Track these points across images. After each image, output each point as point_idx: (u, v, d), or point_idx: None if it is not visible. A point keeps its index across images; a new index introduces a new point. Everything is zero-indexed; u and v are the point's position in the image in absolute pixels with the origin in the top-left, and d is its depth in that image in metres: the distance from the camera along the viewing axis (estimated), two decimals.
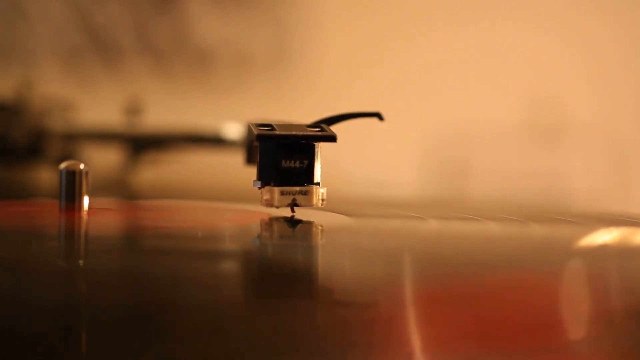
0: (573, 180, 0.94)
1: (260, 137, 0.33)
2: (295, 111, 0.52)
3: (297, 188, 0.33)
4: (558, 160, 0.95)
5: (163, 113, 0.64)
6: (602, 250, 0.32)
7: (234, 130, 0.61)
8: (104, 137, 0.64)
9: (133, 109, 0.64)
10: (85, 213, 0.35)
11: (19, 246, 0.30)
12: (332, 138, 0.33)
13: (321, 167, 0.34)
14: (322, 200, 0.34)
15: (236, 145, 0.58)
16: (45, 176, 0.62)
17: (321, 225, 0.35)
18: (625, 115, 0.97)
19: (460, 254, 0.30)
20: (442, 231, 0.36)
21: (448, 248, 0.32)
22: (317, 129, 0.34)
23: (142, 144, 0.63)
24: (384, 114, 0.35)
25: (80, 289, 0.24)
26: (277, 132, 0.33)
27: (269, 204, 0.33)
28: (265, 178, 0.33)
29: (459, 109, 0.97)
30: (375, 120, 0.35)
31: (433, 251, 0.31)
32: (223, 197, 0.49)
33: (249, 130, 0.34)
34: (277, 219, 0.35)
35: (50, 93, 0.68)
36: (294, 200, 0.33)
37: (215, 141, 0.62)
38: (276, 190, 0.33)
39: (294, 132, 0.33)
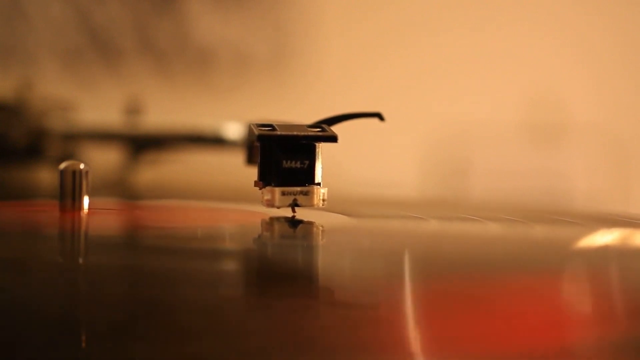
0: (573, 180, 0.94)
1: (261, 138, 0.33)
2: (296, 111, 0.52)
3: (298, 188, 0.33)
4: (558, 160, 0.95)
5: (163, 113, 0.64)
6: (602, 251, 0.32)
7: (234, 130, 0.61)
8: (104, 137, 0.64)
9: (133, 109, 0.63)
10: (85, 213, 0.35)
11: (19, 246, 0.30)
12: (332, 138, 0.33)
13: (322, 168, 0.34)
14: (323, 200, 0.34)
15: (236, 145, 0.58)
16: (45, 176, 0.62)
17: (322, 226, 0.35)
18: (625, 115, 0.97)
19: (461, 254, 0.30)
20: (442, 231, 0.36)
21: (448, 248, 0.32)
22: (317, 129, 0.34)
23: (142, 144, 0.63)
24: (385, 114, 0.35)
25: (80, 289, 0.24)
26: (278, 133, 0.33)
27: (270, 204, 0.33)
28: (266, 178, 0.33)
29: (459, 109, 0.97)
30: (375, 120, 0.35)
31: (433, 251, 0.31)
32: (223, 197, 0.49)
33: (250, 130, 0.34)
34: (278, 219, 0.35)
35: (50, 93, 0.68)
36: (294, 200, 0.33)
37: (215, 141, 0.62)
38: (277, 190, 0.33)
39: (294, 133, 0.33)
